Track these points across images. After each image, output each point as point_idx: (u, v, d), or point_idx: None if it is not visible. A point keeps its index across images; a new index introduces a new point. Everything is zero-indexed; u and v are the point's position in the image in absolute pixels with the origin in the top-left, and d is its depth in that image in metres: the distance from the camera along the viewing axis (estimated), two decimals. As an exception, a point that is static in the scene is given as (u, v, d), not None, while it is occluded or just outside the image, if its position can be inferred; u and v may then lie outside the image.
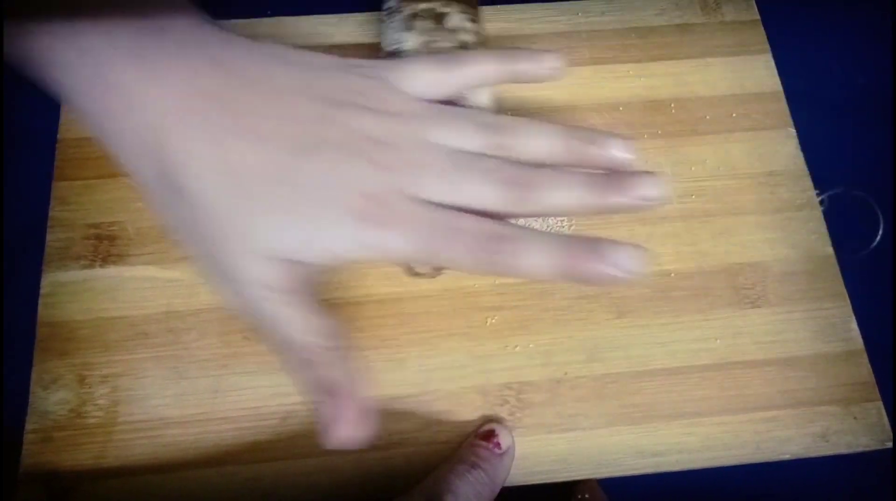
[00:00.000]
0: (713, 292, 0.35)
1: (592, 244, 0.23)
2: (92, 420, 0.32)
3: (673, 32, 0.41)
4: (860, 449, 0.32)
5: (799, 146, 0.38)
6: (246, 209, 0.23)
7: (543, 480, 0.32)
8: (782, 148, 0.38)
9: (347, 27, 0.40)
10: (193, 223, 0.24)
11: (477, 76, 0.28)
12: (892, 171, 0.40)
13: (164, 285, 0.34)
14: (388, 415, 0.32)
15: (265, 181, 0.23)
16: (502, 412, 0.33)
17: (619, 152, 0.26)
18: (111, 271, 0.34)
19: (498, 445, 0.31)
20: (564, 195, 0.24)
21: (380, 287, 0.35)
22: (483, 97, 0.33)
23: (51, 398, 0.32)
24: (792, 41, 0.42)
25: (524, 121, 0.26)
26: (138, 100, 0.23)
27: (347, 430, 0.23)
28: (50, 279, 0.34)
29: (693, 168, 0.38)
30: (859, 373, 0.34)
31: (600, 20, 0.41)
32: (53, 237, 0.35)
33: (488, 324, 0.34)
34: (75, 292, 0.34)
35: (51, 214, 0.35)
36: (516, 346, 0.34)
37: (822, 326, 0.35)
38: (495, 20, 0.41)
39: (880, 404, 0.33)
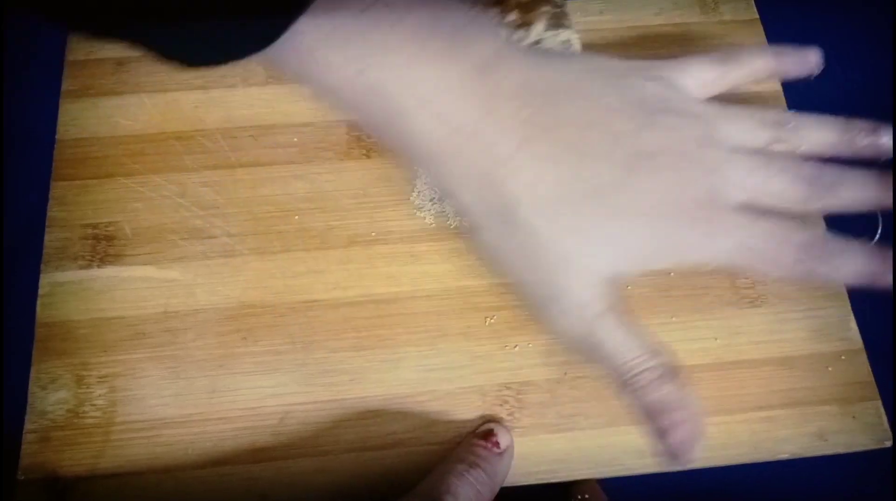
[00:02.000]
0: (712, 291, 0.35)
1: (888, 255, 0.25)
2: (90, 420, 0.32)
3: (672, 32, 0.41)
4: (859, 449, 0.32)
5: (798, 146, 0.38)
6: (579, 233, 0.24)
7: (543, 480, 0.32)
8: (781, 147, 0.38)
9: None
10: (524, 251, 0.24)
11: (750, 74, 0.28)
12: (893, 170, 0.40)
13: (162, 285, 0.34)
14: (387, 415, 0.32)
15: (592, 202, 0.24)
16: (501, 413, 0.33)
17: (886, 140, 0.27)
18: (109, 271, 0.34)
19: (497, 444, 0.31)
20: (857, 192, 0.26)
21: (378, 287, 0.35)
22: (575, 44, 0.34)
23: (49, 398, 0.32)
24: (791, 41, 0.42)
25: (801, 115, 0.27)
26: (477, 138, 0.24)
27: (686, 448, 0.24)
28: (48, 279, 0.34)
29: (692, 168, 0.38)
30: (858, 373, 0.34)
31: (599, 19, 0.41)
32: (51, 237, 0.35)
33: (487, 324, 0.34)
34: (73, 292, 0.34)
35: (49, 214, 0.35)
36: (515, 346, 0.34)
37: (821, 325, 0.35)
38: (494, 20, 0.41)
39: (879, 403, 0.33)
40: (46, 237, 0.35)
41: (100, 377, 0.32)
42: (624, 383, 0.24)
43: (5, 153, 0.39)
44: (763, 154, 0.26)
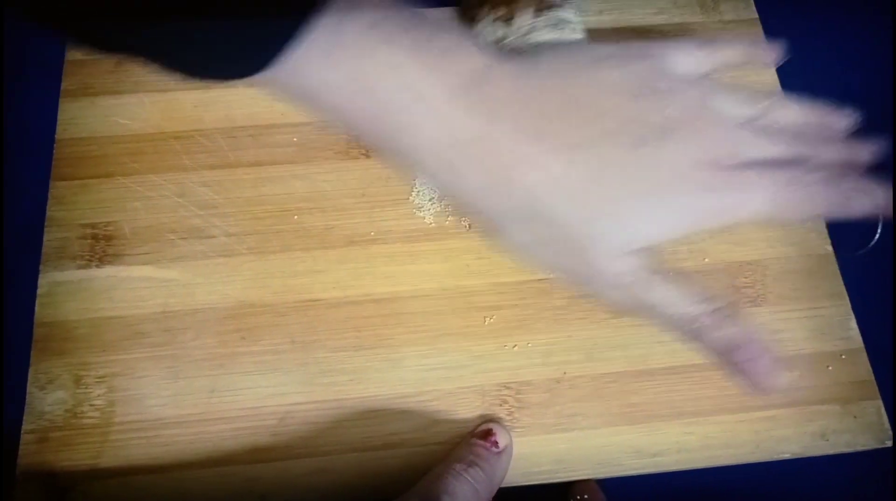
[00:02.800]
0: (713, 291, 0.35)
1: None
2: (88, 421, 0.32)
3: (672, 31, 0.41)
4: (860, 448, 0.32)
5: (798, 145, 0.38)
6: (601, 214, 0.25)
7: (542, 480, 0.32)
8: (781, 147, 0.38)
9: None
10: (555, 242, 0.25)
11: (728, 58, 0.30)
12: (892, 170, 0.40)
13: (161, 284, 0.34)
14: (387, 415, 0.32)
15: (613, 182, 0.25)
16: (501, 412, 0.32)
17: (846, 122, 0.29)
18: (108, 270, 0.34)
19: (496, 443, 0.31)
20: (854, 150, 0.27)
21: (378, 287, 0.35)
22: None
23: (47, 398, 0.32)
24: (791, 41, 0.42)
25: (776, 96, 0.29)
26: (486, 143, 0.24)
27: (769, 377, 0.25)
28: (47, 279, 0.34)
29: (692, 167, 0.38)
30: (858, 372, 0.34)
31: (599, 19, 0.41)
32: (50, 237, 0.35)
33: (486, 324, 0.34)
34: (72, 291, 0.34)
35: (48, 213, 0.35)
36: (515, 345, 0.34)
37: (822, 324, 0.34)
38: (493, 19, 0.41)
39: (880, 403, 0.33)
40: (45, 237, 0.35)
41: (98, 377, 0.32)
42: (690, 333, 0.26)
43: (4, 153, 0.39)
44: (759, 122, 0.28)
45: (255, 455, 0.31)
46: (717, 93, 0.28)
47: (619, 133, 0.25)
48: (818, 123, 0.29)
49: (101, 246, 0.35)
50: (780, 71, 0.40)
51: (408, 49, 0.24)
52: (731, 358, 0.25)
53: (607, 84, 0.26)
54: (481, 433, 0.31)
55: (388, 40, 0.23)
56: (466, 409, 0.32)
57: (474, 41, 0.26)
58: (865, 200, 0.26)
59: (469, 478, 0.29)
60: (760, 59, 0.31)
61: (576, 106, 0.25)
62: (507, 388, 0.33)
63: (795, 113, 0.29)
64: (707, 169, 0.25)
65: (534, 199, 0.25)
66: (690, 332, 0.26)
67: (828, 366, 0.34)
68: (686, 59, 0.29)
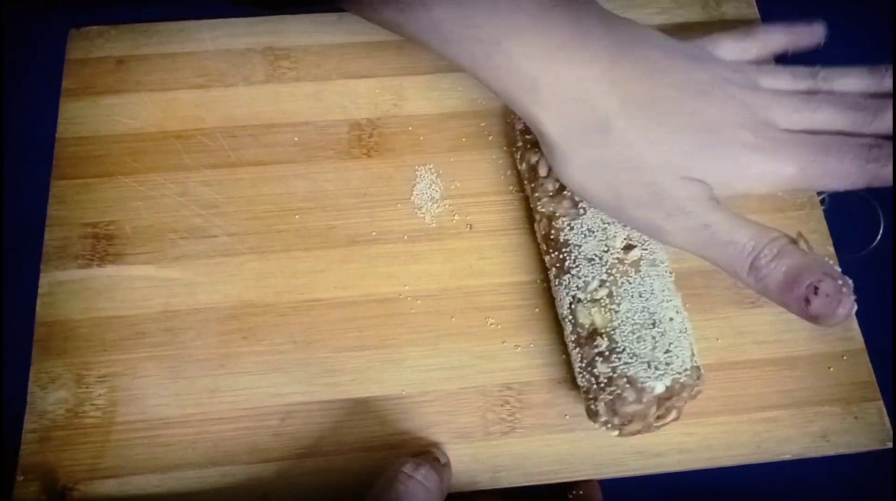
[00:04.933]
0: (714, 291, 0.35)
1: None
2: (90, 420, 0.32)
3: (673, 31, 0.41)
4: (860, 449, 0.32)
5: (799, 145, 0.38)
6: (665, 139, 0.28)
7: (544, 480, 0.32)
8: (783, 147, 0.38)
9: (348, 26, 0.40)
10: (621, 160, 0.28)
11: (772, 46, 0.33)
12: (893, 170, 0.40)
13: (162, 284, 0.34)
14: (389, 415, 0.32)
15: (675, 116, 0.28)
16: (502, 413, 0.32)
17: None
18: (109, 270, 0.34)
19: (437, 459, 0.30)
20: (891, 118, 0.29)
21: (379, 287, 0.35)
22: None
23: (49, 397, 0.32)
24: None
25: (830, 67, 0.31)
26: (570, 62, 0.28)
27: (838, 307, 0.25)
28: (48, 279, 0.34)
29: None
30: (859, 373, 0.34)
31: (600, 19, 0.41)
32: (51, 236, 0.35)
33: (488, 324, 0.34)
34: (73, 291, 0.34)
35: (49, 212, 0.35)
36: (517, 346, 0.34)
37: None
38: (495, 19, 0.41)
39: (881, 403, 0.33)
40: (46, 236, 0.35)
41: (100, 377, 0.32)
42: (750, 266, 0.27)
43: (5, 152, 0.39)
44: (811, 93, 0.30)
45: (256, 454, 0.31)
46: (765, 73, 0.31)
47: (681, 84, 0.29)
48: (876, 83, 0.31)
49: (103, 246, 0.35)
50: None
51: None
52: (795, 291, 0.26)
53: (675, 54, 0.30)
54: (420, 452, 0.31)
55: None
56: (468, 409, 0.32)
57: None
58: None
59: (420, 479, 0.28)
60: (803, 42, 0.33)
61: (649, 55, 0.29)
62: (509, 388, 0.33)
63: (848, 80, 0.31)
64: (755, 130, 0.28)
65: (604, 118, 0.28)
66: (752, 265, 0.27)
67: (829, 367, 0.34)
68: (728, 54, 0.32)
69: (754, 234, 0.27)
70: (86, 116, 0.37)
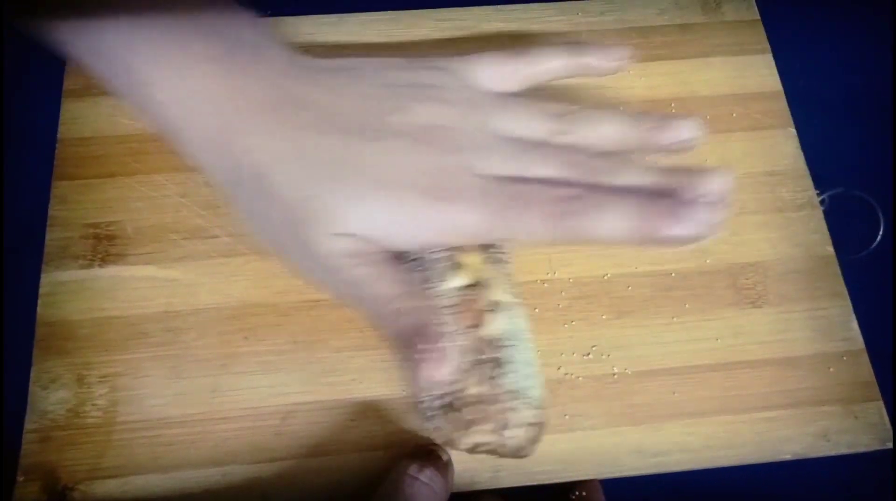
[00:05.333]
0: (714, 291, 0.35)
1: (670, 207, 0.23)
2: (91, 420, 0.32)
3: (673, 32, 0.41)
4: (861, 449, 0.32)
5: (799, 146, 0.38)
6: (319, 195, 0.24)
7: (544, 481, 0.32)
8: (782, 148, 0.38)
9: (347, 27, 0.40)
10: (269, 211, 0.25)
11: (546, 71, 0.28)
12: (893, 171, 0.40)
13: (163, 284, 0.34)
14: (389, 415, 0.32)
15: (335, 167, 0.24)
16: (503, 412, 0.32)
17: (688, 133, 0.27)
18: (110, 270, 0.34)
19: (439, 457, 0.30)
20: (634, 179, 0.24)
21: (380, 287, 0.35)
22: None
23: (50, 397, 0.32)
24: (792, 41, 0.42)
25: (589, 109, 0.26)
26: (208, 103, 0.25)
27: (433, 369, 0.24)
28: (49, 279, 0.34)
29: (693, 168, 0.38)
30: (860, 373, 0.34)
31: (600, 20, 0.41)
32: (53, 237, 0.35)
33: (489, 324, 0.34)
34: (74, 291, 0.34)
35: (50, 213, 0.35)
36: (517, 346, 0.34)
37: (823, 325, 0.35)
38: (495, 20, 0.41)
39: (881, 403, 0.33)
40: (47, 237, 0.35)
41: (101, 377, 0.32)
42: (387, 318, 0.25)
43: (6, 152, 0.39)
44: (539, 143, 0.26)
45: (257, 454, 0.31)
46: (501, 110, 0.26)
47: (351, 130, 0.25)
48: (642, 139, 0.26)
49: (104, 246, 0.35)
50: (781, 72, 0.40)
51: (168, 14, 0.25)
52: (410, 345, 0.24)
53: (364, 89, 0.26)
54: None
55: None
56: (468, 409, 0.32)
57: (251, 18, 0.27)
58: (611, 224, 0.23)
59: (425, 480, 0.28)
60: (594, 69, 0.29)
61: (322, 98, 0.25)
62: (509, 388, 0.33)
63: (603, 127, 0.26)
64: (439, 178, 0.24)
65: (257, 174, 0.25)
66: (386, 318, 0.25)
67: (829, 367, 0.34)
68: (491, 76, 0.27)
69: (393, 288, 0.25)
70: (87, 117, 0.37)
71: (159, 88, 0.25)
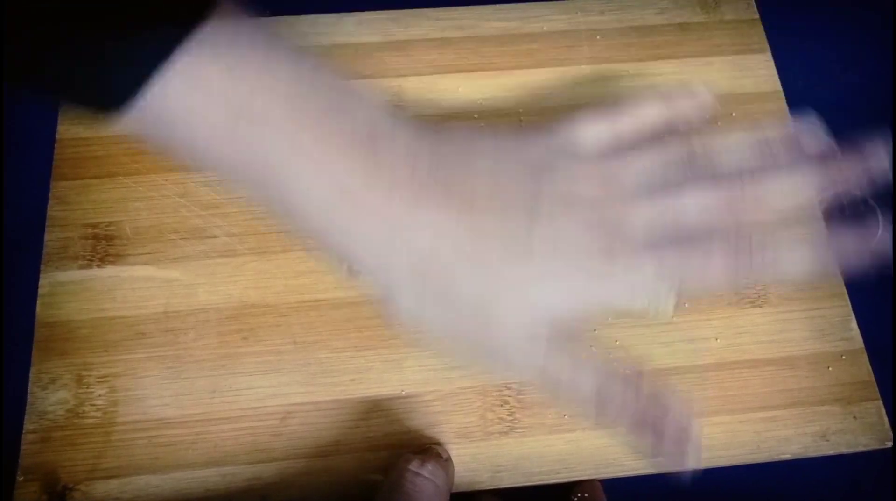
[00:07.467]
0: (714, 291, 0.35)
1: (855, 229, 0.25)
2: (90, 420, 0.32)
3: (673, 31, 0.41)
4: (860, 449, 0.32)
5: (799, 146, 0.38)
6: (502, 284, 0.24)
7: (544, 481, 0.32)
8: (782, 147, 0.38)
9: (347, 27, 0.40)
10: (451, 304, 0.24)
11: (641, 121, 0.28)
12: (893, 171, 0.40)
13: (163, 284, 0.34)
14: (388, 415, 0.32)
15: (511, 251, 0.24)
16: (502, 413, 0.33)
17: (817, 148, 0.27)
18: (109, 270, 0.34)
19: (439, 455, 0.30)
20: (788, 199, 0.25)
21: (379, 287, 0.35)
22: None
23: (49, 398, 0.32)
24: (791, 41, 0.42)
25: (709, 139, 0.26)
26: (373, 201, 0.23)
27: (682, 455, 0.24)
28: (48, 279, 0.34)
29: (693, 168, 0.38)
30: (859, 372, 0.34)
31: (600, 19, 0.41)
32: (52, 237, 0.35)
33: (488, 324, 0.34)
34: (73, 291, 0.34)
35: (49, 213, 0.35)
36: (516, 346, 0.34)
37: (822, 325, 0.35)
38: (495, 20, 0.41)
39: (880, 403, 0.33)
40: (46, 237, 0.35)
41: (100, 377, 0.32)
42: (597, 411, 0.24)
43: (6, 152, 0.39)
44: (671, 176, 0.25)
45: (256, 455, 0.31)
46: (625, 164, 0.26)
47: (508, 207, 0.24)
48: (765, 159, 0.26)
49: (103, 246, 0.35)
50: (780, 71, 0.40)
51: (287, 94, 0.22)
52: (642, 434, 0.24)
53: (502, 163, 0.25)
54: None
55: (262, 81, 0.22)
56: (467, 409, 0.33)
57: (363, 92, 0.25)
58: (791, 263, 0.24)
59: (427, 475, 0.28)
60: (685, 114, 0.28)
61: (466, 178, 0.24)
62: (508, 388, 0.33)
63: (731, 158, 0.25)
64: (599, 246, 0.24)
65: (432, 259, 0.24)
66: (598, 411, 0.24)
67: (828, 367, 0.34)
68: (590, 135, 0.27)
69: (597, 383, 0.24)
70: (86, 117, 0.37)
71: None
